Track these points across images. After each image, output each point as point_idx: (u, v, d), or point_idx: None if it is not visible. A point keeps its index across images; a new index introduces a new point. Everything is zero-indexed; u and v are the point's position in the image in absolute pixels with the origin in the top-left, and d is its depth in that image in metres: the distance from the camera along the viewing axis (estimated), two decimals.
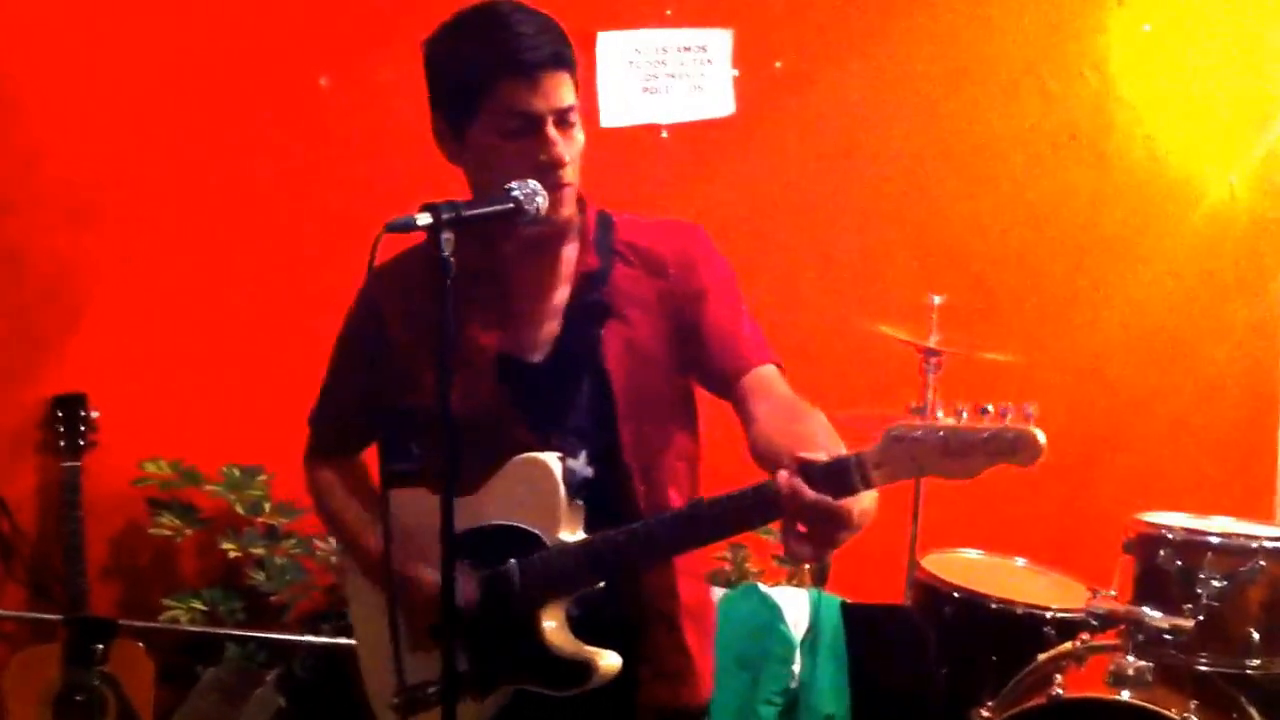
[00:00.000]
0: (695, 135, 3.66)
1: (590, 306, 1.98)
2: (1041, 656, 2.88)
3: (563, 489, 1.91)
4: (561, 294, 2.00)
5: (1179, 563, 2.70)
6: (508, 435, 1.96)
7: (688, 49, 3.61)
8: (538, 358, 2.00)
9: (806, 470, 1.64)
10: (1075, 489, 3.68)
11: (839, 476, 1.64)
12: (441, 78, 1.97)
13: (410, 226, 1.72)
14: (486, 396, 1.97)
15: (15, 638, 3.48)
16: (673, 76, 3.56)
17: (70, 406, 3.37)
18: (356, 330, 2.11)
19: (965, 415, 1.58)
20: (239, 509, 3.42)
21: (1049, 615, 2.97)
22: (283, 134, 3.56)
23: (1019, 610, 2.99)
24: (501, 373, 1.99)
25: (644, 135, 3.62)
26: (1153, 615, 2.66)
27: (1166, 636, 2.66)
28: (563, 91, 1.89)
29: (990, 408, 1.58)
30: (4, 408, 3.44)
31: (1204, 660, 2.67)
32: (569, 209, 1.94)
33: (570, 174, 1.92)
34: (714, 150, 3.69)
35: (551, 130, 1.88)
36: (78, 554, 3.29)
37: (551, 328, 2.00)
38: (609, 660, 1.91)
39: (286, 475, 3.48)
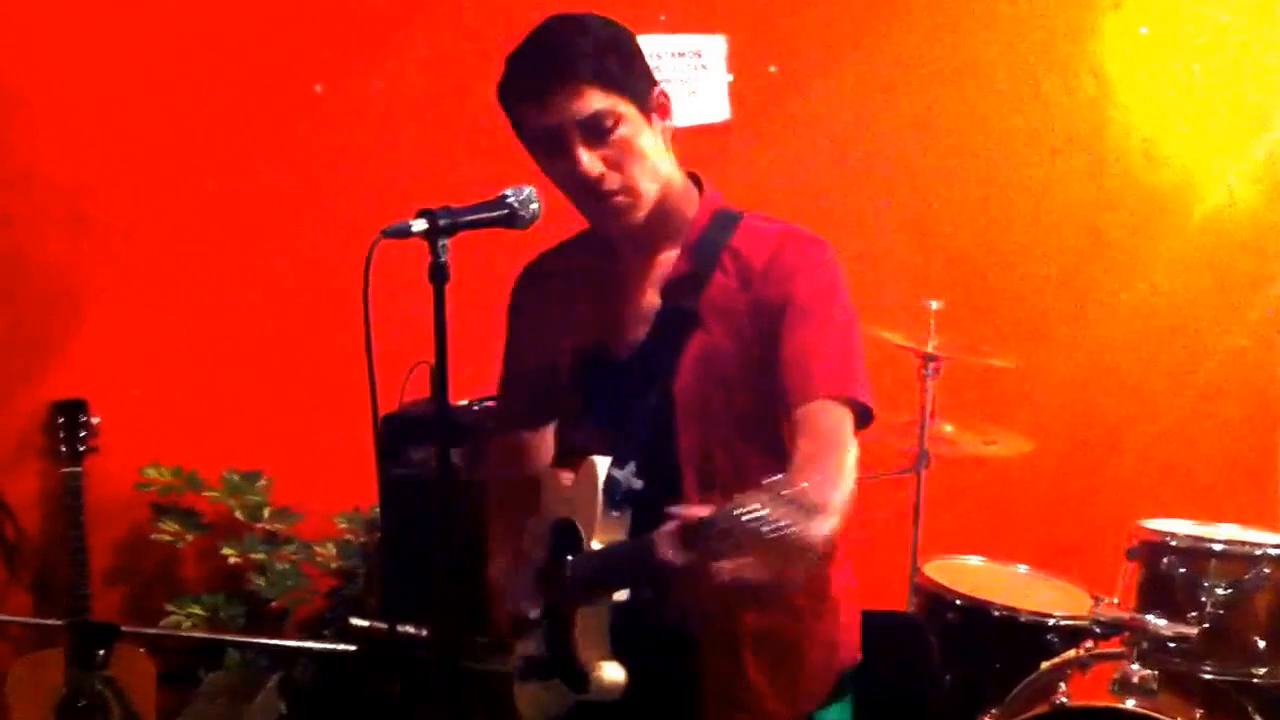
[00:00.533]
0: (690, 141, 3.62)
1: (675, 314, 1.94)
2: (1045, 664, 2.86)
3: (601, 497, 1.89)
4: (654, 296, 1.98)
5: (1183, 570, 2.68)
6: (584, 429, 2.00)
7: (682, 54, 3.60)
8: (621, 358, 1.99)
9: (685, 524, 1.65)
10: (1078, 495, 3.67)
11: (699, 538, 1.62)
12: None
13: (406, 233, 1.73)
14: (568, 391, 2.03)
15: (18, 642, 3.48)
16: (667, 82, 3.53)
17: (71, 412, 3.37)
18: (513, 317, 2.16)
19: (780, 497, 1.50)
20: (239, 514, 3.43)
21: (1052, 623, 2.95)
22: (279, 141, 3.57)
23: (1022, 617, 2.97)
24: (590, 365, 2.01)
25: None
26: (1157, 623, 2.64)
27: (1171, 644, 2.64)
28: (583, 103, 1.84)
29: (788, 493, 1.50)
30: (5, 413, 3.45)
31: (1209, 668, 2.65)
32: (634, 215, 1.90)
33: (612, 183, 1.87)
34: (709, 156, 3.67)
35: (577, 145, 1.85)
36: (80, 559, 3.29)
37: (640, 331, 1.98)
38: (609, 672, 1.88)
39: (286, 480, 3.49)
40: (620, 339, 1.99)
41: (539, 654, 1.99)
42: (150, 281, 3.54)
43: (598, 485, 1.90)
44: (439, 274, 1.72)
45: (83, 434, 3.37)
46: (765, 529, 1.50)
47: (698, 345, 1.92)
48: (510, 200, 1.82)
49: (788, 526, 1.49)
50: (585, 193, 1.88)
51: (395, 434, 2.89)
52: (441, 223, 1.73)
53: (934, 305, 3.29)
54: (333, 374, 3.34)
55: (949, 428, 3.32)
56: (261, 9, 3.55)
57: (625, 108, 1.87)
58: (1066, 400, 3.68)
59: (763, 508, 1.50)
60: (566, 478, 2.02)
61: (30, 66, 3.46)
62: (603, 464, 1.91)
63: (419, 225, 1.72)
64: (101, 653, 3.18)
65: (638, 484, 1.89)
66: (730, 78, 3.64)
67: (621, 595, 1.88)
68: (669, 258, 1.97)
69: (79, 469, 3.35)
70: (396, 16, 3.54)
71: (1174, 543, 2.72)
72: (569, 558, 1.93)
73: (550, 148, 1.88)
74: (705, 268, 1.94)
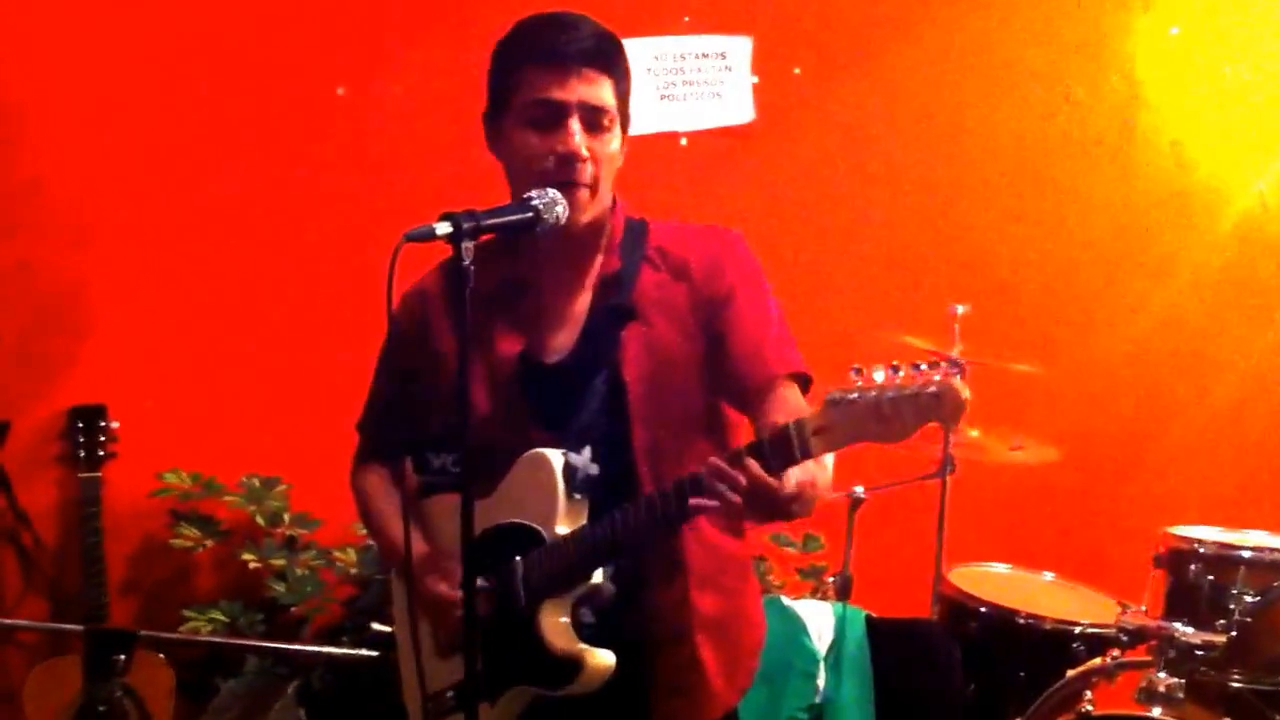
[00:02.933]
0: (714, 142, 3.64)
1: (611, 310, 1.98)
2: (1070, 672, 2.84)
3: (561, 483, 1.91)
4: (585, 299, 2.01)
5: (1211, 578, 2.66)
6: (525, 438, 1.97)
7: (706, 56, 3.59)
8: (555, 360, 2.00)
9: (752, 447, 1.69)
10: (1104, 502, 3.64)
11: (780, 445, 1.66)
12: (491, 74, 2.00)
13: (429, 236, 1.72)
14: (507, 401, 1.99)
15: (35, 649, 3.48)
16: (691, 84, 3.55)
17: (89, 418, 3.37)
18: (399, 339, 2.10)
19: (901, 373, 1.56)
20: (259, 520, 3.41)
21: (1078, 631, 2.93)
22: (300, 144, 3.56)
23: (1047, 625, 2.96)
24: (521, 376, 2.00)
25: (663, 142, 3.60)
26: (1184, 631, 2.62)
27: (1198, 653, 2.62)
28: (596, 91, 1.90)
29: (924, 365, 1.55)
30: (24, 420, 3.44)
31: (1236, 677, 2.62)
32: (586, 214, 1.94)
33: (587, 174, 1.91)
34: (733, 157, 3.67)
35: (574, 123, 1.89)
36: (98, 566, 3.28)
37: (573, 331, 2.01)
38: (600, 658, 1.89)
39: (305, 486, 3.48)
40: (554, 340, 2.01)
41: (463, 677, 1.90)
42: (169, 287, 3.54)
43: (555, 473, 1.91)
44: (462, 277, 1.70)
45: (101, 439, 3.36)
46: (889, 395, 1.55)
47: (642, 337, 1.97)
48: (535, 203, 1.82)
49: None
50: (560, 172, 1.89)
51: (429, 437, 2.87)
52: (465, 226, 1.71)
53: (959, 310, 3.26)
54: (353, 380, 3.33)
55: (975, 433, 3.29)
56: (283, 12, 3.55)
57: (616, 114, 1.95)
58: (1093, 406, 3.66)
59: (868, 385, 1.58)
60: (448, 502, 1.99)
61: (43, 71, 3.46)
62: (554, 453, 1.92)
63: (443, 229, 1.71)
64: (119, 659, 3.18)
65: (594, 469, 1.93)
66: (755, 79, 3.63)
67: (598, 576, 1.90)
68: (597, 260, 2.01)
69: (97, 475, 3.34)
70: (419, 19, 3.53)
71: (1202, 550, 2.69)
72: (518, 559, 1.93)
73: (543, 120, 1.90)
74: (634, 265, 2.00)
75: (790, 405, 1.89)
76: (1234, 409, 3.70)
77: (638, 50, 3.59)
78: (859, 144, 3.73)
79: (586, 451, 1.94)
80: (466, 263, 1.70)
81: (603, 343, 1.98)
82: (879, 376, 1.57)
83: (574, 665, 1.88)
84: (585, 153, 1.90)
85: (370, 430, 2.24)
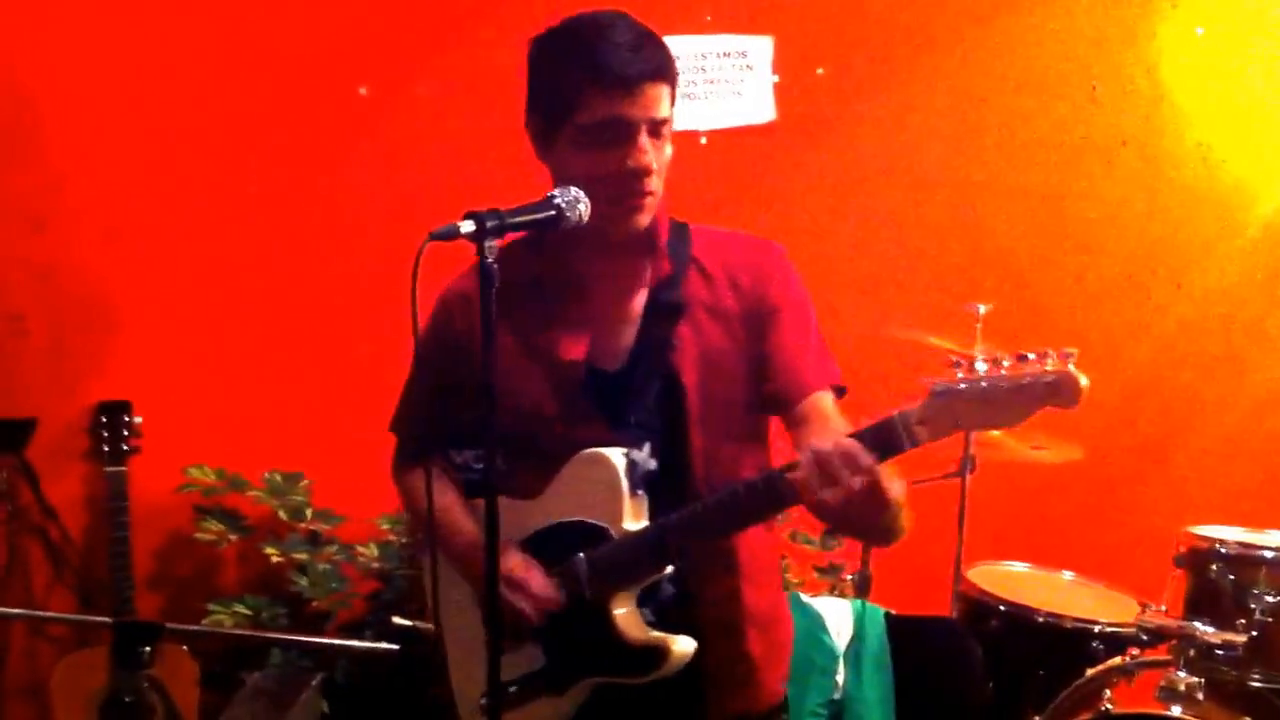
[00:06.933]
0: (735, 142, 3.64)
1: (663, 308, 2.01)
2: (1090, 671, 2.84)
3: (625, 481, 1.94)
4: (639, 301, 2.03)
5: (1231, 577, 2.66)
6: (581, 439, 1.99)
7: (728, 55, 3.59)
8: (614, 365, 2.02)
9: (855, 436, 1.67)
10: (1125, 501, 3.63)
11: (885, 435, 1.66)
12: (538, 82, 2.00)
13: (454, 235, 1.72)
14: (568, 401, 2.01)
15: (63, 642, 3.51)
16: (712, 83, 3.55)
17: (115, 413, 3.39)
18: (439, 340, 2.10)
19: (1006, 363, 1.59)
20: (282, 515, 3.44)
21: (1098, 629, 2.93)
22: (323, 143, 3.58)
23: (1067, 624, 2.95)
24: (582, 378, 2.01)
25: (683, 141, 3.57)
26: (1204, 630, 2.62)
27: (1218, 652, 2.62)
28: (660, 104, 1.91)
29: (1030, 355, 1.58)
30: (51, 415, 3.48)
31: (1256, 676, 2.63)
32: (649, 218, 1.96)
33: (655, 183, 1.94)
34: (754, 157, 3.67)
35: (643, 138, 1.90)
36: (124, 559, 3.31)
37: (629, 334, 2.03)
38: (682, 644, 1.94)
39: (327, 481, 3.50)
40: (611, 343, 2.03)
41: (539, 666, 2.01)
42: (193, 284, 3.56)
43: (619, 471, 1.94)
44: (486, 276, 1.71)
45: (126, 434, 3.39)
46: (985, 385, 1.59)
47: (693, 338, 2.00)
48: (558, 201, 1.82)
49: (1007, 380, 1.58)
50: (627, 187, 1.91)
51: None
52: (489, 225, 1.72)
53: (981, 309, 3.26)
54: (376, 376, 3.35)
55: (995, 432, 3.29)
56: (305, 11, 3.57)
57: (671, 119, 1.95)
58: (1116, 406, 3.64)
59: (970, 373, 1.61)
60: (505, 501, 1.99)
61: (69, 71, 3.48)
62: (614, 452, 1.95)
63: (467, 227, 1.72)
64: (146, 651, 3.20)
65: (653, 465, 1.96)
66: (776, 79, 3.63)
67: (669, 568, 1.94)
68: (647, 262, 2.03)
69: (123, 469, 3.36)
70: (441, 18, 3.54)
71: (1223, 550, 2.69)
72: (581, 555, 1.96)
73: (609, 137, 1.90)
74: (682, 267, 2.02)
75: (830, 417, 1.93)
76: (1256, 409, 3.68)
77: None
78: (881, 144, 3.72)
79: (646, 448, 1.97)
80: (490, 261, 1.71)
81: (659, 343, 2.00)
82: (981, 368, 1.60)
83: (656, 654, 1.93)
84: (654, 166, 1.91)
85: (409, 430, 2.24)
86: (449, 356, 2.07)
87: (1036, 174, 3.69)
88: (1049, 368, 1.56)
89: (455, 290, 2.12)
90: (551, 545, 2.00)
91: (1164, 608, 2.77)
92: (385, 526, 3.42)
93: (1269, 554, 2.66)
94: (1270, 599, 2.62)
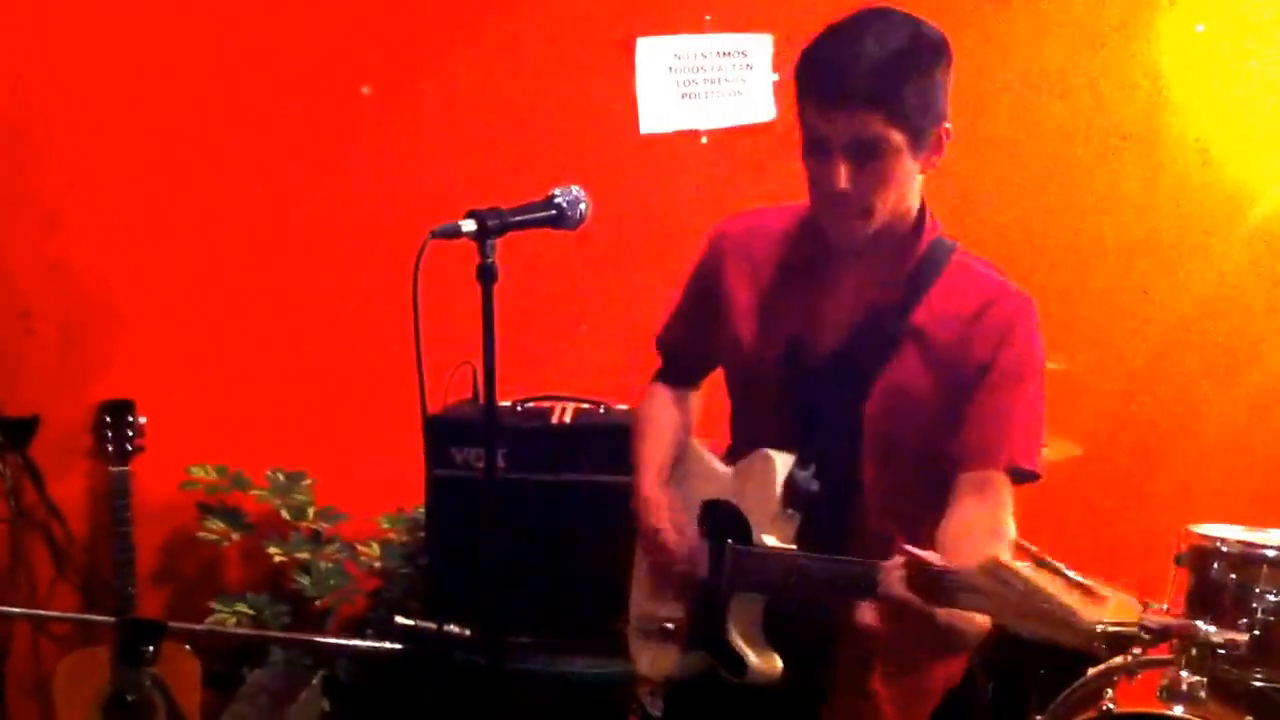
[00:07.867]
0: (735, 141, 3.63)
1: (877, 333, 1.96)
2: (1091, 670, 2.83)
3: (780, 492, 1.93)
4: (858, 310, 2.00)
5: (1233, 576, 2.65)
6: (774, 420, 2.01)
7: (727, 54, 3.59)
8: (814, 362, 2.01)
9: (912, 565, 1.67)
10: (1126, 499, 3.63)
11: (931, 583, 1.65)
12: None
13: (455, 233, 1.74)
14: (769, 382, 2.03)
15: (65, 640, 3.52)
16: (712, 82, 3.54)
17: (118, 412, 3.40)
18: (705, 277, 2.15)
19: (1066, 576, 1.55)
20: (284, 513, 3.44)
21: (1099, 628, 2.92)
22: (326, 142, 3.58)
23: None
24: (786, 364, 2.02)
25: (683, 141, 3.60)
26: (1206, 629, 2.61)
27: (1220, 651, 2.60)
28: (860, 126, 1.84)
29: (1095, 585, 1.55)
30: (55, 414, 3.48)
31: (1259, 675, 2.62)
32: (857, 236, 1.93)
33: (853, 205, 1.89)
34: (754, 156, 3.66)
35: (839, 160, 1.86)
36: (127, 558, 3.32)
37: (838, 338, 2.00)
38: (770, 664, 1.94)
39: (330, 481, 3.51)
40: (818, 340, 2.01)
41: (677, 621, 2.05)
42: (196, 284, 3.57)
43: (777, 481, 1.93)
44: (487, 274, 1.72)
45: (130, 434, 3.40)
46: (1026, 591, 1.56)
47: (893, 372, 1.94)
48: (559, 200, 1.83)
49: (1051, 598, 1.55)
50: (826, 204, 1.92)
51: (441, 435, 2.90)
52: (490, 223, 1.74)
53: None
54: (377, 375, 3.36)
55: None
56: (308, 12, 3.57)
57: (898, 137, 1.86)
58: (1116, 404, 3.64)
59: (1028, 572, 1.56)
60: (713, 459, 2.09)
61: (73, 73, 3.50)
62: (784, 461, 1.94)
63: (468, 226, 1.73)
64: (148, 650, 3.21)
65: (815, 486, 1.93)
66: (776, 78, 3.62)
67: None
68: (881, 277, 1.98)
69: (126, 468, 3.37)
70: (444, 18, 3.55)
71: (1224, 548, 2.69)
72: (730, 542, 1.96)
73: (815, 146, 1.89)
74: (914, 297, 1.96)
75: (1001, 503, 1.89)
76: (1258, 407, 3.67)
77: (659, 49, 3.60)
78: None
79: (813, 468, 1.94)
80: (490, 260, 1.72)
81: (863, 364, 1.96)
82: (1049, 570, 1.56)
83: (740, 661, 1.94)
84: (847, 186, 1.86)
85: (665, 349, 2.27)
86: (705, 303, 2.12)
87: (1036, 169, 3.68)
88: (1083, 610, 1.55)
89: (737, 240, 2.12)
90: (718, 518, 2.03)
91: (1165, 606, 2.76)
92: (386, 525, 3.43)
93: (1271, 552, 2.65)
94: (1272, 597, 2.61)
